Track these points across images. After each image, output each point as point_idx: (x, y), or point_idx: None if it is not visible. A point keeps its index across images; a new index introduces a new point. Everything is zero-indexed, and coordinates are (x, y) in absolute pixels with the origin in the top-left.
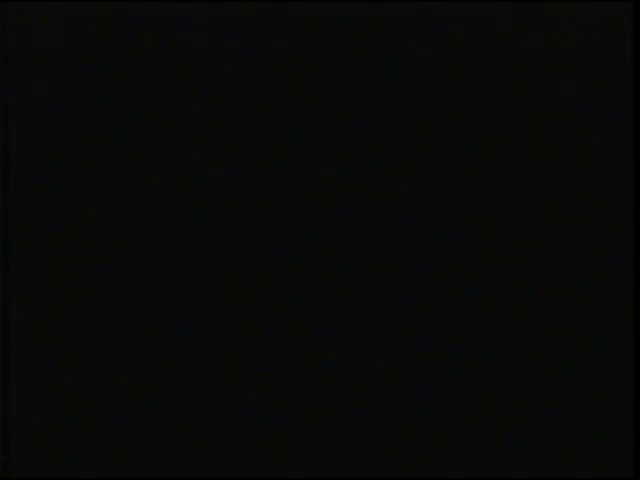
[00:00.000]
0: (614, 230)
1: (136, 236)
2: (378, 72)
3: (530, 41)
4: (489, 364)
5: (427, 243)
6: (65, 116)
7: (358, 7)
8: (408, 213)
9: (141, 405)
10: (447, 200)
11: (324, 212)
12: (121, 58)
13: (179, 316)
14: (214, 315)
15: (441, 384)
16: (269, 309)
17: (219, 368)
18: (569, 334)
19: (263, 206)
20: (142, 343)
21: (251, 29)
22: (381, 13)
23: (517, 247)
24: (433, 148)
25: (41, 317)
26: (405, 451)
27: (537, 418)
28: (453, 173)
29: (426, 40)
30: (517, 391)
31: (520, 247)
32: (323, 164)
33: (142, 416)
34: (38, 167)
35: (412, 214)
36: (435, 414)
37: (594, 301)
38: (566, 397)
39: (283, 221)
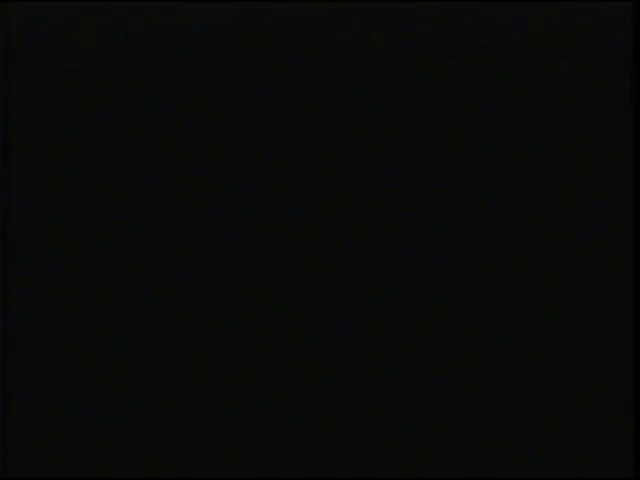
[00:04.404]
0: (614, 231)
1: (135, 237)
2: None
3: (530, 41)
4: (488, 363)
5: (426, 242)
6: (65, 116)
7: (358, 8)
8: (409, 213)
9: (141, 405)
10: (446, 202)
11: (323, 215)
12: (122, 58)
13: (178, 317)
14: (213, 316)
15: (438, 385)
16: (268, 311)
17: (218, 369)
18: (569, 333)
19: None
20: (141, 343)
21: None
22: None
23: (517, 247)
24: (430, 146)
25: (41, 317)
26: (404, 451)
27: (537, 418)
28: (452, 173)
29: (423, 40)
30: (517, 391)
31: (519, 247)
32: (321, 165)
33: (142, 416)
34: (38, 168)
35: (412, 213)
36: (433, 414)
37: (594, 300)
38: (566, 397)
39: (282, 223)
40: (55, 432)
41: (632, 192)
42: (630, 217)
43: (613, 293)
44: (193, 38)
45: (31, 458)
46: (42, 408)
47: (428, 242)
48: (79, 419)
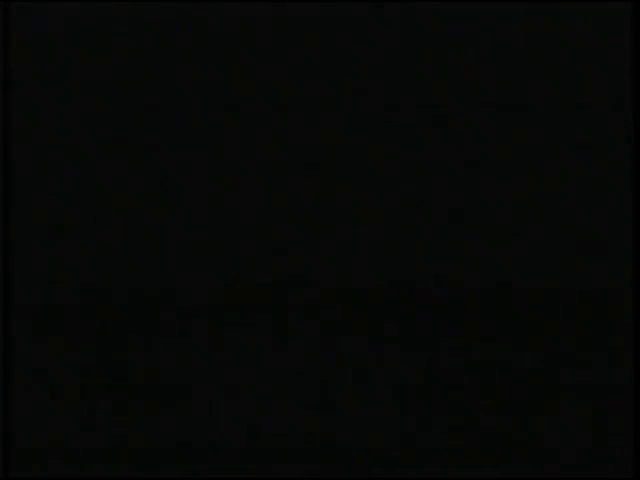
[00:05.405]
0: (614, 230)
1: (135, 237)
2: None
3: (530, 41)
4: (489, 363)
5: (426, 241)
6: (65, 116)
7: (358, 8)
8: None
9: (141, 406)
10: (448, 201)
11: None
12: (121, 57)
13: (179, 318)
14: (213, 316)
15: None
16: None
17: (217, 370)
18: (569, 332)
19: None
20: (141, 344)
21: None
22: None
23: (517, 247)
24: (427, 144)
25: (41, 317)
26: (402, 450)
27: (537, 418)
28: (453, 172)
29: (422, 40)
30: (518, 392)
31: (519, 247)
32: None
33: (142, 417)
34: (39, 168)
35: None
36: (433, 413)
37: (594, 301)
38: (566, 397)
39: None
40: (55, 432)
41: (632, 192)
42: (630, 218)
43: (613, 293)
44: (192, 36)
45: (31, 457)
46: (42, 408)
47: (428, 239)
48: (78, 420)
